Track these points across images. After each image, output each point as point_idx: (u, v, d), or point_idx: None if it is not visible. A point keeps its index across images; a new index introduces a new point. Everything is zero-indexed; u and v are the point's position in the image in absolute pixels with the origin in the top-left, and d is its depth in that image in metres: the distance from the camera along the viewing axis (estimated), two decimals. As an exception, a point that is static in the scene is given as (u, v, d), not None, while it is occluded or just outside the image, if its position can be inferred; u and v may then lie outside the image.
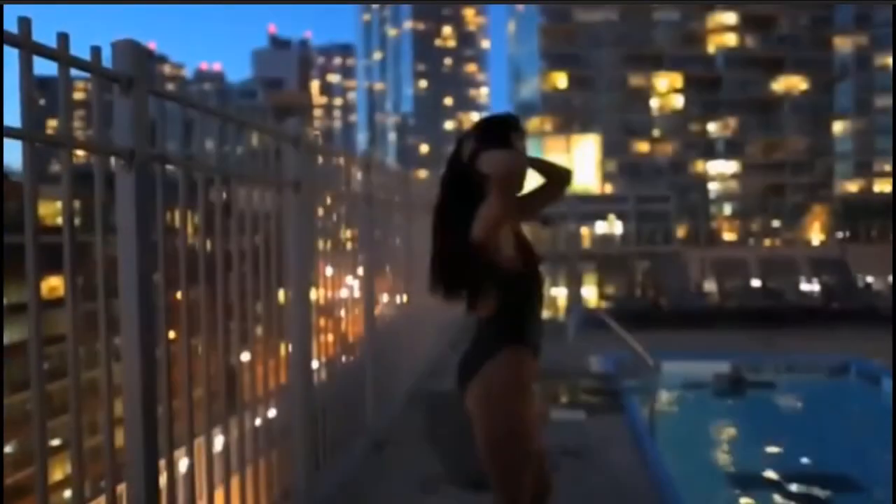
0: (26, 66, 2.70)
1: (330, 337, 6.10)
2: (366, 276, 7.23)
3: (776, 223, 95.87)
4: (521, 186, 3.50)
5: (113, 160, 3.17)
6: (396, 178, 9.17)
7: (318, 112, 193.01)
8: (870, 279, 24.83)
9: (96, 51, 3.06)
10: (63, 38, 2.87)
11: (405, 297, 9.10)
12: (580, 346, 12.45)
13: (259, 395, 4.62)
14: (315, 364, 5.60)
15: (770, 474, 8.63)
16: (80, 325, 2.92)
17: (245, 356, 4.46)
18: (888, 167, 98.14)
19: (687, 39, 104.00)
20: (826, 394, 12.36)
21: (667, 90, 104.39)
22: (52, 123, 2.77)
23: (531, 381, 3.56)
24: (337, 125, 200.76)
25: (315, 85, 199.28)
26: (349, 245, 6.90)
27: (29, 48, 2.69)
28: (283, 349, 5.12)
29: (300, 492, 5.27)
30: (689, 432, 10.44)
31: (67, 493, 2.96)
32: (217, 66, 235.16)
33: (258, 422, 4.58)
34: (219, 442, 4.06)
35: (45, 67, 2.79)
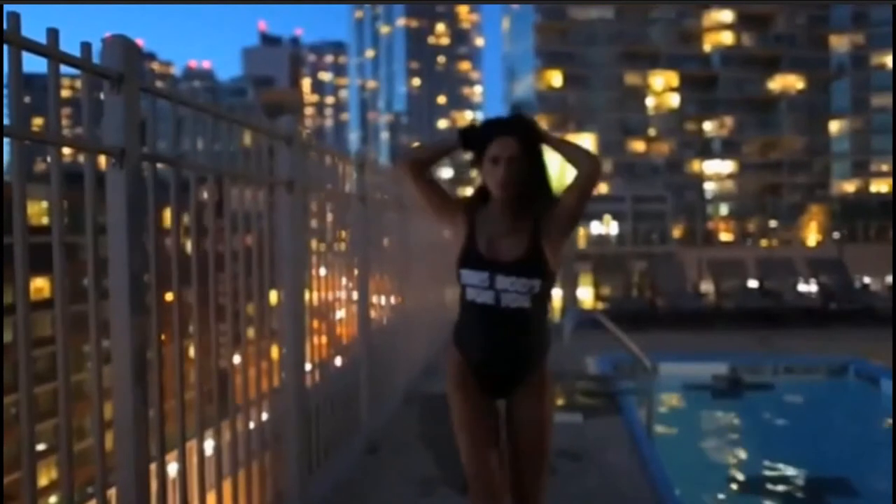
0: (15, 63, 2.65)
1: (324, 338, 6.05)
2: (360, 277, 7.17)
3: (773, 223, 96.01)
4: (415, 176, 3.83)
5: (103, 158, 3.11)
6: (391, 177, 9.11)
7: (309, 110, 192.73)
8: (867, 279, 24.82)
9: (87, 47, 2.99)
10: (53, 33, 2.81)
11: (400, 298, 9.05)
12: (576, 348, 12.40)
13: (252, 397, 4.56)
14: (308, 365, 5.55)
15: (768, 476, 8.58)
16: (68, 328, 2.87)
17: (237, 358, 4.41)
18: (885, 167, 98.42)
19: (683, 37, 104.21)
20: (824, 395, 12.32)
21: (663, 89, 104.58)
22: (37, 122, 2.70)
23: (459, 383, 3.74)
24: (328, 124, 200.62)
25: (306, 83, 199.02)
26: (343, 245, 6.85)
27: (18, 44, 2.64)
28: (276, 350, 5.06)
29: (293, 494, 5.21)
30: (686, 434, 10.40)
31: (52, 501, 2.90)
32: (206, 64, 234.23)
33: (251, 424, 4.53)
34: (210, 445, 4.01)
35: (27, 64, 2.73)
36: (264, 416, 4.76)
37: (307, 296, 5.54)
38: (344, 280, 6.77)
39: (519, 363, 3.70)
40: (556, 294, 21.97)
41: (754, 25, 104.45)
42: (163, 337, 3.47)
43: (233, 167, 4.43)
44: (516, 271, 3.56)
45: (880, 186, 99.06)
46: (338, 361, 6.50)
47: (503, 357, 3.68)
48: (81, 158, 3.05)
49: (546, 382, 3.79)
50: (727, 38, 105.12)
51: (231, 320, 4.24)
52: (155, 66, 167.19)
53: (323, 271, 6.03)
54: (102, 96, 3.13)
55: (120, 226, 3.12)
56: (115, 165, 3.11)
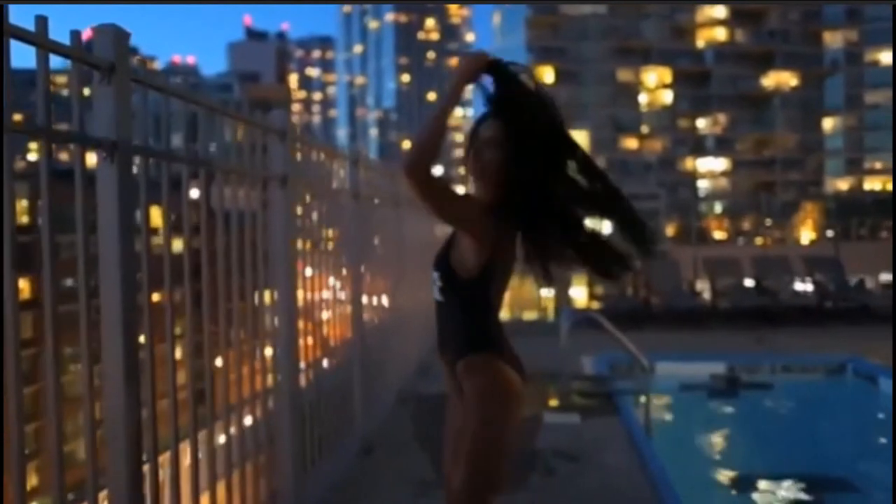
0: (4, 53, 2.56)
1: (317, 338, 5.97)
2: (354, 275, 7.09)
3: (768, 221, 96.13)
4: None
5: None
6: (384, 174, 9.03)
7: (296, 107, 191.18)
8: (863, 277, 24.80)
9: (76, 35, 2.90)
10: (42, 21, 2.72)
11: (394, 297, 8.97)
12: (573, 348, 12.29)
13: (245, 397, 4.49)
14: (302, 365, 5.47)
15: (767, 475, 8.52)
16: (53, 329, 2.79)
17: (231, 358, 4.33)
18: (879, 164, 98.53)
19: (676, 33, 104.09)
20: (823, 394, 12.26)
21: (655, 85, 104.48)
22: (16, 118, 2.61)
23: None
24: (316, 120, 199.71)
25: (293, 79, 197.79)
26: (337, 243, 6.77)
27: (7, 32, 2.55)
28: (270, 350, 4.99)
29: (288, 495, 5.14)
30: (684, 434, 10.34)
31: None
32: (191, 60, 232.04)
33: (247, 422, 4.46)
34: (203, 446, 3.93)
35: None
36: (259, 416, 4.69)
37: (300, 294, 5.46)
38: (338, 278, 6.69)
39: (445, 352, 3.51)
40: (550, 293, 21.86)
41: (747, 21, 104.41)
42: (154, 336, 3.39)
43: (227, 162, 4.35)
44: (433, 262, 3.48)
45: (874, 184, 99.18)
46: (332, 361, 6.42)
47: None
48: (62, 155, 2.96)
49: (472, 386, 3.32)
50: (720, 34, 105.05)
51: (224, 319, 4.16)
52: (137, 61, 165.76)
53: (317, 269, 5.95)
54: (87, 91, 3.04)
55: (111, 222, 3.04)
56: (106, 159, 3.02)
